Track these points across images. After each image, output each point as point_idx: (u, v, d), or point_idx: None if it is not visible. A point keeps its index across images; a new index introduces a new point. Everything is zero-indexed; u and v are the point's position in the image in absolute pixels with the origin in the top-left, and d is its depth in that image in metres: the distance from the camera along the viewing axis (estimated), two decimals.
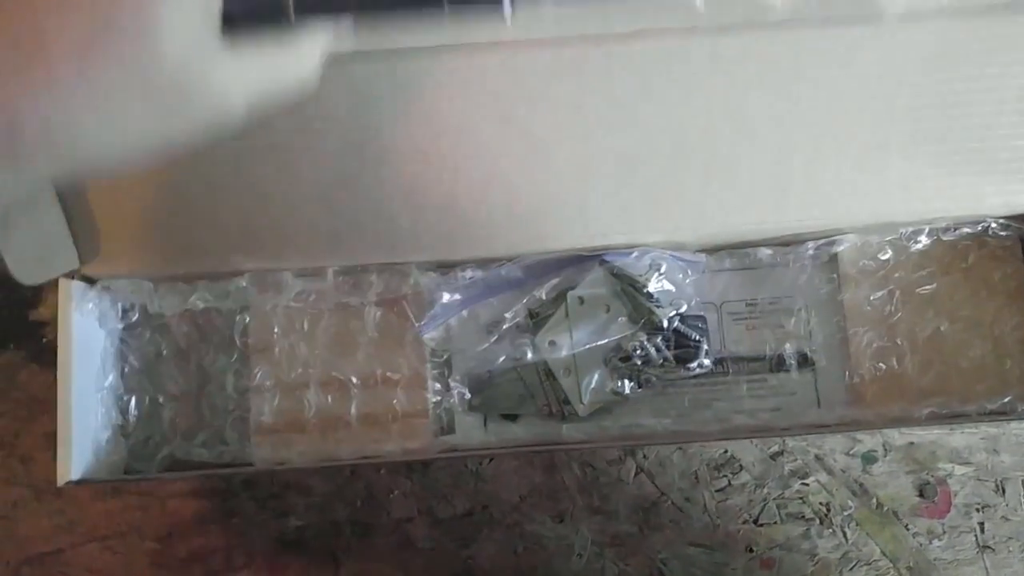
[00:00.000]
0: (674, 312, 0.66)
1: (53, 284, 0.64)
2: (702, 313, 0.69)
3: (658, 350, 0.67)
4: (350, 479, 0.70)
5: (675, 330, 0.67)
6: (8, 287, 0.73)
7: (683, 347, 0.67)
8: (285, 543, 0.70)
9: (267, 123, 0.60)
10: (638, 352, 0.66)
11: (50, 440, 0.63)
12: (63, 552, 0.71)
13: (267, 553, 0.70)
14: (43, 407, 0.71)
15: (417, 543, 0.70)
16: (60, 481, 0.62)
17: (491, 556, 0.70)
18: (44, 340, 0.72)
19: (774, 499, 0.69)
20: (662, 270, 0.66)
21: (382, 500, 0.70)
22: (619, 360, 0.66)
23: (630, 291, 0.66)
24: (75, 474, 0.63)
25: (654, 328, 0.66)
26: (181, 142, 0.38)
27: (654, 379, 0.67)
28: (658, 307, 0.65)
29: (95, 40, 0.34)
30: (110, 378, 0.69)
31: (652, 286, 0.66)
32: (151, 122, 0.37)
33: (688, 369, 0.66)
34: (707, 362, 0.67)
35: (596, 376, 0.67)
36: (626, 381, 0.67)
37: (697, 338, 0.67)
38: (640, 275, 0.66)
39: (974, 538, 0.68)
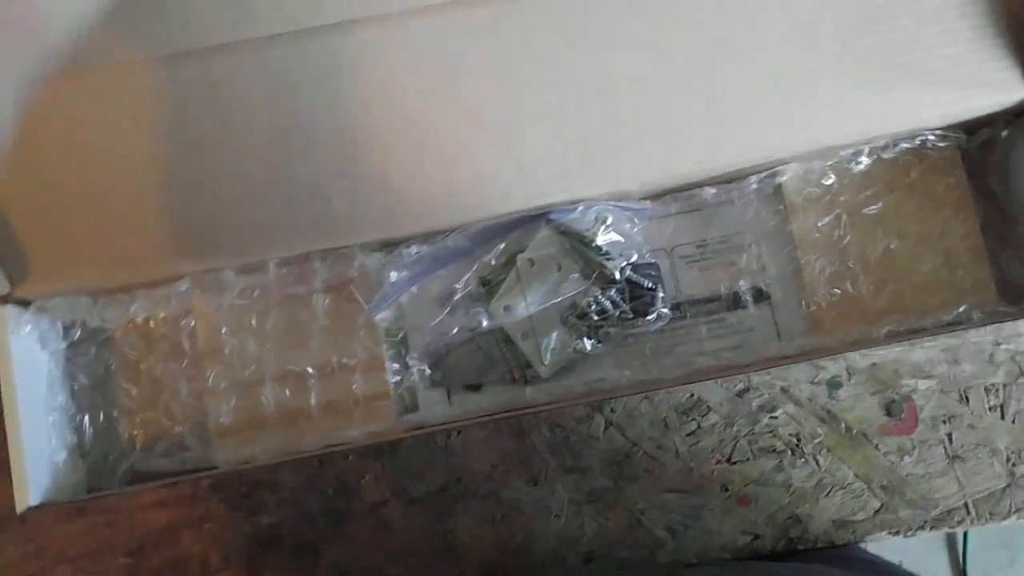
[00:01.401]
0: (625, 263, 0.65)
1: None
2: (654, 260, 0.68)
3: (614, 303, 0.66)
4: (319, 469, 0.69)
5: (628, 280, 0.66)
6: None
7: (638, 297, 0.66)
8: (261, 541, 0.69)
9: (185, 120, 0.59)
10: (594, 308, 0.66)
11: (5, 468, 0.62)
12: None
13: (243, 553, 0.69)
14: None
15: (393, 525, 0.69)
16: (19, 508, 0.61)
17: (469, 528, 0.69)
18: None
19: (744, 436, 0.69)
20: (608, 222, 0.65)
21: (353, 486, 0.69)
22: (576, 318, 0.66)
23: (579, 247, 0.65)
24: (34, 499, 0.61)
25: (607, 281, 0.65)
26: None
27: (613, 333, 0.66)
28: (609, 259, 0.65)
29: None
30: (59, 399, 0.67)
31: (600, 239, 0.65)
32: None
33: (646, 320, 0.66)
34: (665, 310, 0.66)
35: (555, 336, 0.66)
36: (585, 338, 0.66)
37: (650, 286, 0.66)
38: (587, 230, 0.65)
39: (943, 449, 0.68)
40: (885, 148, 0.65)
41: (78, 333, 0.68)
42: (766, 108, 0.62)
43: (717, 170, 0.64)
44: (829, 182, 0.67)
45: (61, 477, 0.65)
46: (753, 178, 0.66)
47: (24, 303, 0.64)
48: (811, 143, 0.63)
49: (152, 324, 0.69)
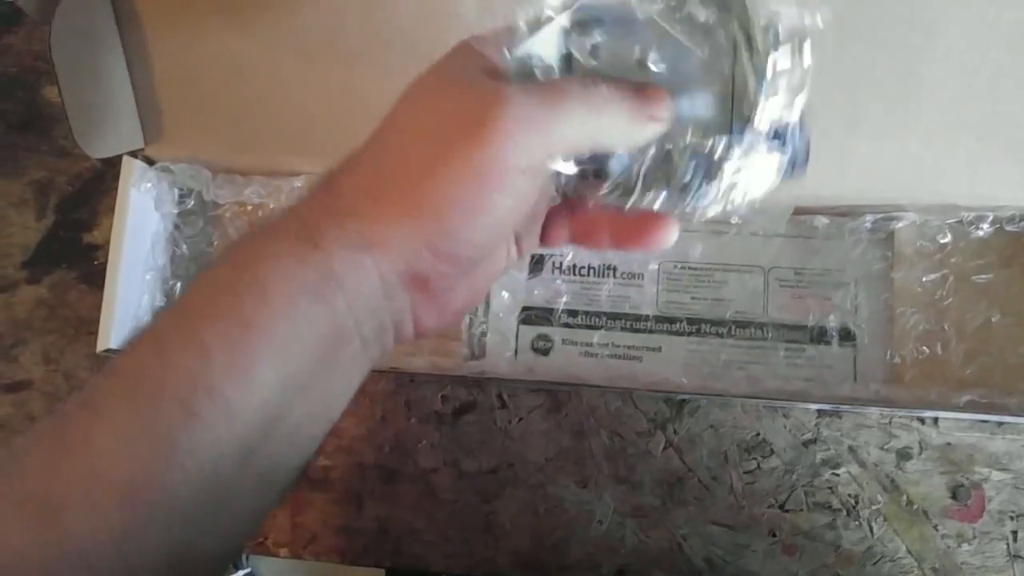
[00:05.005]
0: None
1: (109, 208, 0.66)
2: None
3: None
4: (380, 424, 0.70)
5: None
6: (64, 209, 0.75)
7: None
8: (310, 480, 0.71)
9: (339, 27, 0.62)
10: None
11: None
12: None
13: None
14: (89, 328, 0.72)
15: (440, 494, 0.70)
16: (100, 348, 0.63)
17: (512, 515, 0.69)
18: (96, 263, 0.74)
19: (802, 486, 0.67)
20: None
21: (410, 448, 0.70)
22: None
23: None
24: (114, 343, 0.63)
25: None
26: None
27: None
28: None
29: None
30: (160, 261, 0.70)
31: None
32: None
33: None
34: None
35: None
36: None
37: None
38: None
39: (1006, 546, 0.65)
40: (1010, 220, 0.64)
41: (191, 203, 0.72)
42: (899, 148, 0.61)
43: (834, 199, 0.64)
44: (944, 240, 0.66)
45: None
46: (868, 217, 0.65)
47: (150, 162, 0.68)
48: (935, 196, 0.62)
49: (261, 213, 0.72)
